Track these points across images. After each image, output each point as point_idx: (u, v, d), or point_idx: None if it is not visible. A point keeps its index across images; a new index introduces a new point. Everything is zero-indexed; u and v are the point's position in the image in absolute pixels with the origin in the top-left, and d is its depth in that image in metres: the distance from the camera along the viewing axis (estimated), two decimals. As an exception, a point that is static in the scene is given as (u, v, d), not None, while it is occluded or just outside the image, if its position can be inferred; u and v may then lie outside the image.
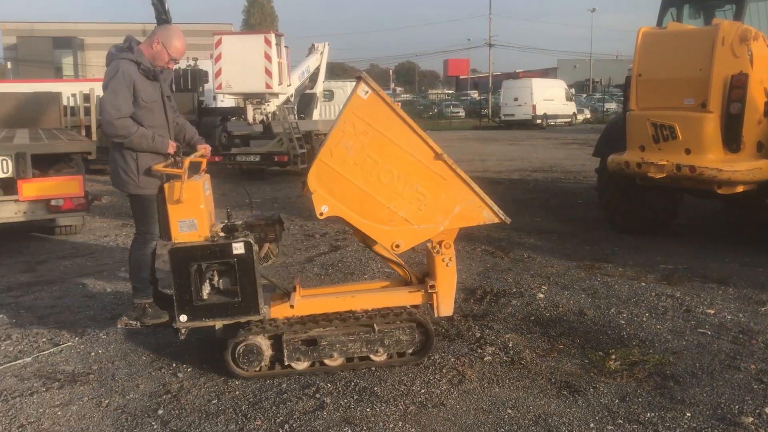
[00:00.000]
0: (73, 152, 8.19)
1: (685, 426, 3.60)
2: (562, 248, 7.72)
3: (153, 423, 3.76)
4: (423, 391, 4.07)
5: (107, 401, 4.05)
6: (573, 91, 47.03)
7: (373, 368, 4.39)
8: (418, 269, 4.95)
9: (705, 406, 3.81)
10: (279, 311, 4.37)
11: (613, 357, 4.51)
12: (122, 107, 4.33)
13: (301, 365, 4.33)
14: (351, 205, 4.29)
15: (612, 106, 47.81)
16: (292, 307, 4.37)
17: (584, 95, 58.75)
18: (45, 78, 39.36)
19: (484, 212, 4.32)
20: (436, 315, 4.59)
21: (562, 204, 10.98)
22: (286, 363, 4.28)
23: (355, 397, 4.00)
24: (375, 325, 4.32)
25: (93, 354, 4.80)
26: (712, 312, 5.39)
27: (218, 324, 4.27)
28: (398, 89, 73.10)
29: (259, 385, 4.21)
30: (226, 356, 4.24)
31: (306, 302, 4.47)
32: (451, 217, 4.31)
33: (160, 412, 3.89)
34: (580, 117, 43.06)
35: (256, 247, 4.20)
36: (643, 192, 7.87)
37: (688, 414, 3.73)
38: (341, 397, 4.00)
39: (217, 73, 14.87)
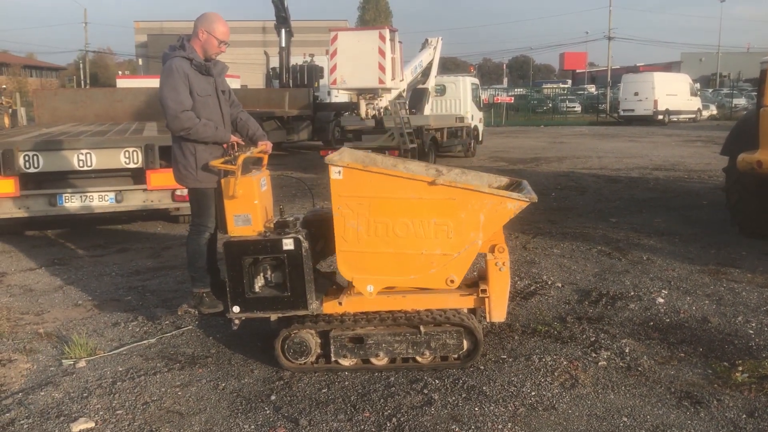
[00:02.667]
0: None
1: (823, 448, 3.33)
2: (685, 251, 7.33)
3: (266, 408, 3.88)
4: (533, 393, 3.97)
5: (224, 384, 4.21)
6: (698, 85, 44.55)
7: (482, 367, 4.33)
8: (477, 271, 4.85)
9: None
10: (331, 307, 4.39)
11: (740, 369, 4.22)
12: (184, 101, 4.49)
13: (348, 362, 4.34)
14: (389, 271, 4.25)
15: (741, 101, 44.97)
16: (340, 304, 4.37)
17: (710, 90, 55.57)
18: (172, 74, 41.38)
19: (508, 204, 4.14)
20: (488, 320, 4.47)
21: (684, 205, 10.43)
22: (333, 359, 4.32)
23: (464, 395, 3.96)
24: (422, 327, 4.26)
25: (211, 338, 5.01)
26: None
27: (272, 316, 4.38)
28: (562, 84, 67.84)
29: (367, 377, 4.25)
30: (276, 348, 4.33)
31: (357, 299, 4.43)
32: (481, 227, 4.16)
33: (272, 397, 4.01)
34: (705, 113, 40.75)
35: (306, 244, 4.23)
36: (777, 194, 7.34)
37: (826, 435, 3.44)
38: (449, 395, 3.97)
39: (332, 69, 15.15)
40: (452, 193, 4.11)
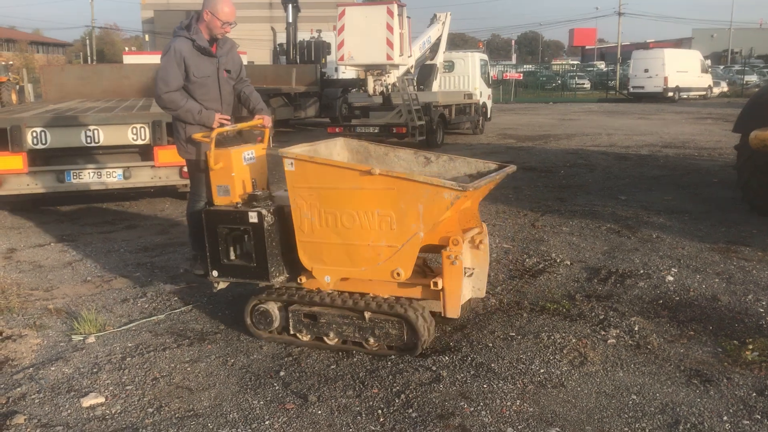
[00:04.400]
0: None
1: (833, 427, 3.32)
2: (695, 229, 7.29)
3: (275, 384, 3.89)
4: (542, 370, 3.97)
5: (233, 360, 4.22)
6: (709, 62, 44.08)
7: (490, 345, 4.33)
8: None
9: None
10: (297, 282, 4.47)
11: (750, 347, 4.21)
12: (170, 82, 4.68)
13: (305, 337, 4.40)
14: (342, 262, 4.22)
15: (753, 78, 44.52)
16: (300, 281, 4.42)
17: (721, 67, 54.97)
18: (179, 50, 41.29)
19: (444, 194, 3.90)
20: (443, 315, 4.24)
21: (695, 182, 10.36)
22: (292, 332, 4.41)
23: (472, 372, 3.96)
24: (366, 313, 4.22)
25: (220, 314, 5.02)
26: None
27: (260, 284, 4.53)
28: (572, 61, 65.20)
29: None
30: (245, 315, 4.51)
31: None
32: (421, 218, 3.97)
33: (281, 373, 4.02)
34: (716, 90, 40.35)
35: (270, 218, 4.29)
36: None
37: (837, 414, 3.43)
38: (458, 371, 3.97)
39: (340, 45, 15.03)
40: (390, 182, 3.98)
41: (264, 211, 4.28)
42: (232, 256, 4.47)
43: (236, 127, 4.91)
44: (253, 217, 4.28)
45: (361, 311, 4.23)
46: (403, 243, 4.05)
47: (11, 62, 39.68)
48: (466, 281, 4.38)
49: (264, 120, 4.96)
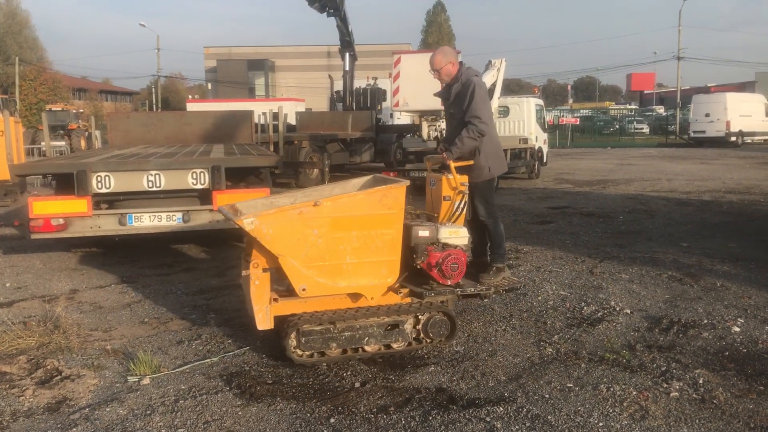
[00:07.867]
0: (262, 166, 8.74)
1: None
2: (762, 278, 6.98)
3: (325, 431, 3.84)
4: (601, 424, 3.81)
5: (283, 405, 4.19)
6: (774, 106, 42.89)
7: (547, 396, 4.19)
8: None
9: None
10: None
11: (826, 405, 3.97)
12: None
13: None
14: None
15: (821, 122, 43.01)
16: None
17: (787, 110, 53.33)
18: (239, 98, 42.67)
19: None
20: None
21: (761, 229, 9.98)
22: None
23: (528, 425, 3.83)
24: None
25: (271, 359, 5.00)
26: None
27: None
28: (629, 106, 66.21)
29: (429, 402, 4.17)
30: None
31: None
32: None
33: (332, 420, 3.97)
34: (782, 134, 39.16)
35: None
36: None
37: None
38: (512, 423, 3.85)
39: (395, 91, 15.23)
40: None
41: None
42: None
43: (429, 158, 6.16)
44: None
45: None
46: None
47: (81, 110, 41.54)
48: None
49: (443, 156, 5.63)
